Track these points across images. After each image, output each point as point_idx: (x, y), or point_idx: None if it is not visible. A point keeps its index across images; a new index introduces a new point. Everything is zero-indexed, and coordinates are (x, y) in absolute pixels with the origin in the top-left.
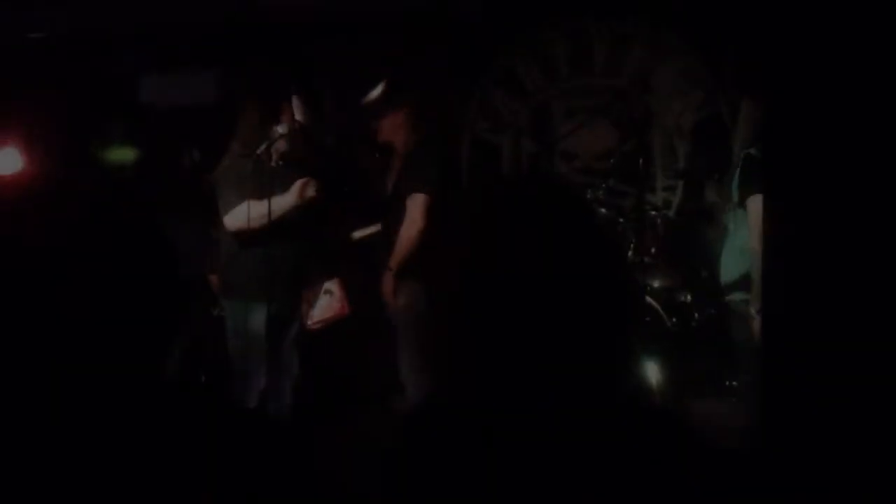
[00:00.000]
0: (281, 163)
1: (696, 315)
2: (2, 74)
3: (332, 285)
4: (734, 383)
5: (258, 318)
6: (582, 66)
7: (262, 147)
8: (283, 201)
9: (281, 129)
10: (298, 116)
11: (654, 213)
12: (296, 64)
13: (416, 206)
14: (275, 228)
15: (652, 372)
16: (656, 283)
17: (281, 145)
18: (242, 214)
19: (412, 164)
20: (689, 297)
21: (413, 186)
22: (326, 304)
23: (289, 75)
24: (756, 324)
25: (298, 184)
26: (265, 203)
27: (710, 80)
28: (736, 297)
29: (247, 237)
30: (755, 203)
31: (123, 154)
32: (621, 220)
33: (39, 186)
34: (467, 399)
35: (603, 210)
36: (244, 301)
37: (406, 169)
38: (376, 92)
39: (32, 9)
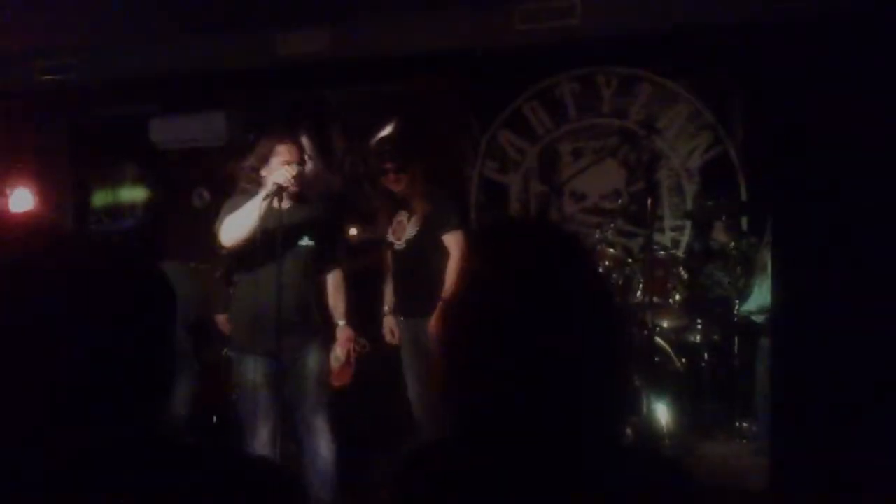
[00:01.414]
0: (288, 203)
1: (706, 355)
2: (16, 117)
3: (338, 351)
4: (744, 424)
5: (252, 370)
6: (589, 107)
7: (271, 189)
8: (257, 198)
9: (290, 168)
10: (308, 157)
11: (662, 253)
12: (307, 105)
13: (456, 242)
14: (265, 275)
15: (661, 413)
16: (665, 324)
17: (289, 185)
18: (225, 225)
19: (440, 206)
20: (698, 338)
21: (448, 225)
22: (339, 370)
23: (300, 116)
24: None
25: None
26: (243, 207)
27: (717, 121)
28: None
29: (242, 285)
30: None
31: (134, 195)
32: (630, 260)
33: (48, 227)
34: (468, 441)
35: (611, 250)
36: (239, 352)
37: (436, 211)
38: (385, 133)
39: (46, 55)
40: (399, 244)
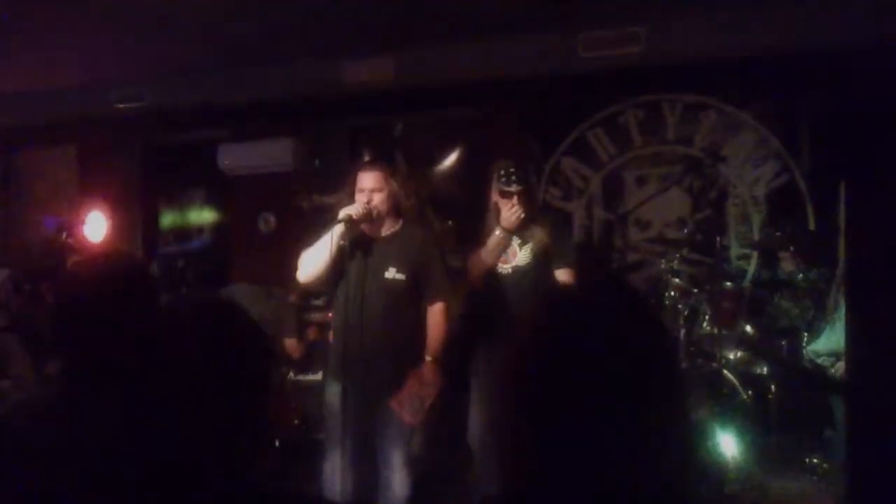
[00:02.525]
0: (356, 231)
1: (773, 388)
2: (90, 144)
3: (413, 389)
4: (814, 460)
5: (334, 396)
6: (654, 134)
7: (341, 222)
8: (327, 237)
9: (361, 198)
10: (374, 185)
11: (728, 283)
12: (372, 133)
13: (568, 278)
14: (352, 306)
15: (727, 446)
16: (732, 356)
17: (359, 216)
18: (301, 260)
19: (559, 238)
20: (765, 370)
21: (565, 259)
22: (411, 411)
23: (365, 144)
24: None
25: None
26: (316, 245)
27: (784, 150)
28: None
29: (336, 314)
30: None
31: (202, 219)
32: (695, 290)
33: (122, 254)
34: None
35: (677, 280)
36: (328, 378)
37: (556, 242)
38: (451, 160)
39: (121, 84)
40: (504, 269)
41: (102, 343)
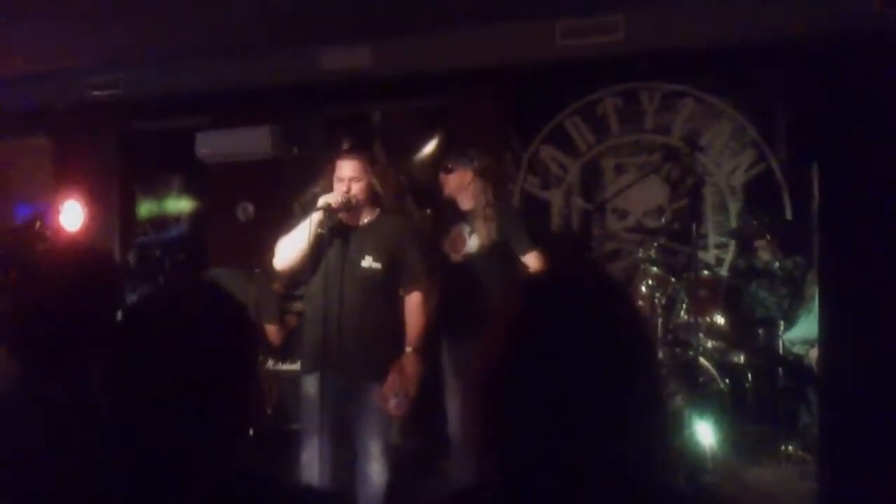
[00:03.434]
0: (335, 220)
1: (750, 376)
2: (64, 133)
3: (398, 380)
4: (790, 448)
5: (313, 388)
6: (632, 123)
7: (320, 210)
8: (305, 224)
9: (340, 187)
10: (352, 174)
11: (705, 272)
12: (350, 121)
13: (536, 260)
14: (328, 297)
15: (704, 435)
16: (709, 344)
17: (338, 205)
18: (278, 248)
19: (513, 224)
20: (742, 358)
21: (525, 245)
22: (397, 401)
23: (343, 133)
24: None
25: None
26: (293, 233)
27: (761, 139)
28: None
29: (309, 304)
30: None
31: (180, 207)
32: (673, 279)
33: (100, 242)
34: (506, 489)
35: (654, 269)
36: (304, 368)
37: (510, 229)
38: (429, 148)
39: (96, 71)
40: (455, 257)
41: (61, 332)
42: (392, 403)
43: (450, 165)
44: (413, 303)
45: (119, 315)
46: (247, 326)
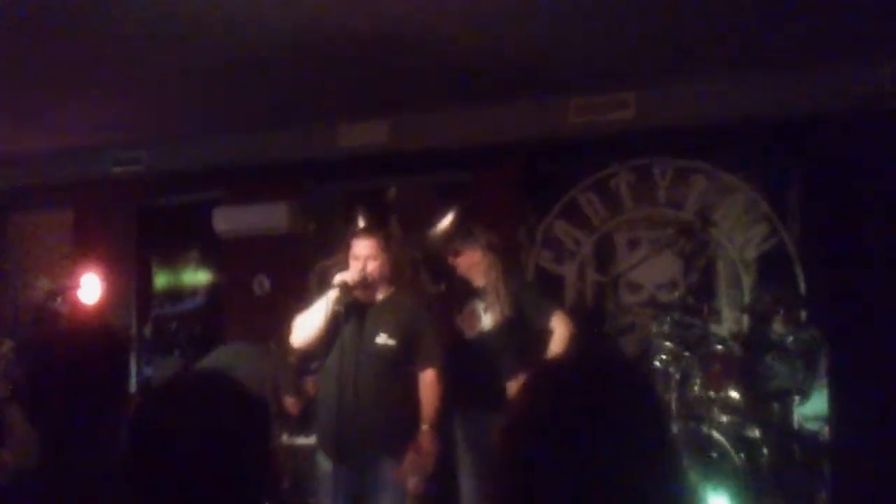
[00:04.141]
0: (350, 297)
1: (766, 450)
2: (85, 208)
3: (416, 458)
4: None
5: (326, 471)
6: (645, 198)
7: (336, 287)
8: (322, 302)
9: (356, 264)
10: (368, 252)
11: (719, 346)
12: (367, 197)
13: (562, 320)
14: (342, 377)
15: None
16: (724, 418)
17: (354, 283)
18: (295, 325)
19: (524, 297)
20: (758, 432)
21: (549, 311)
22: (414, 480)
23: (360, 208)
24: None
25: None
26: (310, 310)
27: (773, 213)
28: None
29: (322, 383)
30: None
31: (196, 280)
32: (686, 353)
33: (117, 314)
34: None
35: (668, 343)
36: (319, 449)
37: (521, 303)
38: (445, 223)
39: (117, 147)
40: (470, 334)
41: (71, 403)
42: (410, 482)
43: (457, 248)
44: (428, 380)
45: (129, 390)
46: (256, 411)
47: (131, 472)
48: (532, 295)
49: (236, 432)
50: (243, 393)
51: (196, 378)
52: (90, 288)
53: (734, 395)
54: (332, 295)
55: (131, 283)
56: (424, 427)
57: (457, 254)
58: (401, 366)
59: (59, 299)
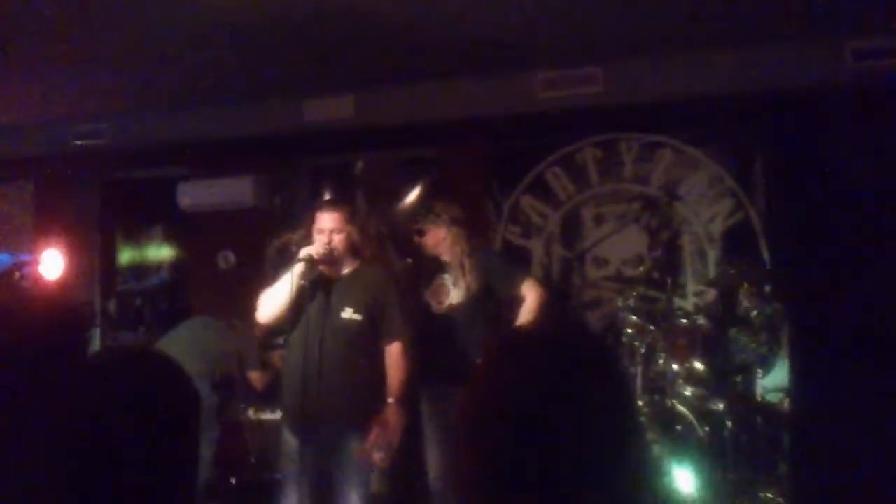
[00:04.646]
0: (316, 271)
1: (729, 423)
2: (47, 181)
3: (382, 432)
4: (769, 495)
5: (292, 446)
6: (611, 173)
7: (302, 262)
8: (288, 277)
9: (322, 238)
10: (333, 225)
11: (684, 320)
12: (332, 172)
13: (532, 287)
14: (308, 352)
15: (684, 481)
16: (688, 392)
17: (320, 256)
18: (261, 301)
19: (491, 269)
20: (721, 406)
21: (517, 279)
22: (381, 454)
23: (325, 183)
24: None
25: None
26: (276, 285)
27: (739, 188)
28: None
29: (287, 359)
30: None
31: (161, 256)
32: (652, 327)
33: (79, 291)
34: None
35: (634, 317)
36: (284, 426)
37: (488, 276)
38: (411, 198)
39: (79, 121)
40: (439, 308)
41: (22, 392)
42: (376, 457)
43: (421, 228)
44: (394, 353)
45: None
46: (189, 397)
47: (57, 447)
48: (500, 265)
49: (160, 412)
50: (172, 372)
51: (123, 355)
52: (52, 263)
53: (699, 368)
54: (297, 269)
55: (95, 259)
56: (390, 401)
57: (421, 233)
58: (367, 340)
59: (18, 274)
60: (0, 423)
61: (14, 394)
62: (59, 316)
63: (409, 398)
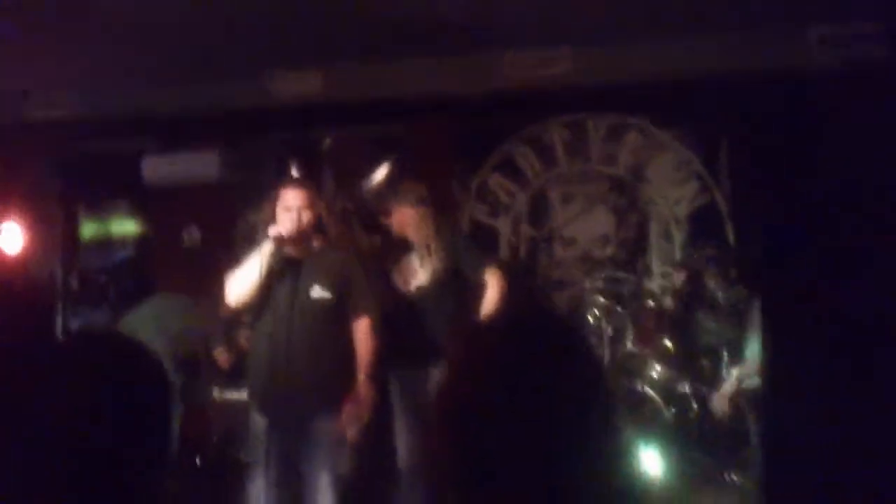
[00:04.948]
0: (298, 253)
1: (696, 405)
2: (6, 153)
3: (352, 409)
4: (734, 477)
5: (261, 427)
6: (579, 153)
7: (271, 240)
8: (257, 256)
9: (290, 216)
10: (300, 203)
11: (651, 302)
12: (300, 147)
13: (495, 276)
14: (277, 332)
15: (651, 463)
16: (654, 374)
17: (289, 234)
18: (229, 284)
19: (458, 251)
20: (688, 388)
21: (483, 264)
22: (350, 430)
23: (292, 159)
24: None
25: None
26: (244, 267)
27: (705, 171)
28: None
29: (255, 340)
30: None
31: (125, 231)
32: (619, 308)
33: (40, 266)
34: None
35: (601, 298)
36: (253, 408)
37: (455, 257)
38: (379, 175)
39: (38, 91)
40: (406, 289)
41: None
42: (348, 432)
43: (388, 207)
44: (362, 329)
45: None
46: (160, 381)
47: (25, 432)
48: (466, 248)
49: (131, 397)
50: (140, 356)
51: (92, 339)
52: (11, 237)
53: (665, 350)
54: (265, 249)
55: (56, 234)
56: (361, 377)
57: (388, 213)
58: (337, 317)
59: None
60: None
61: None
62: (25, 293)
63: (378, 375)
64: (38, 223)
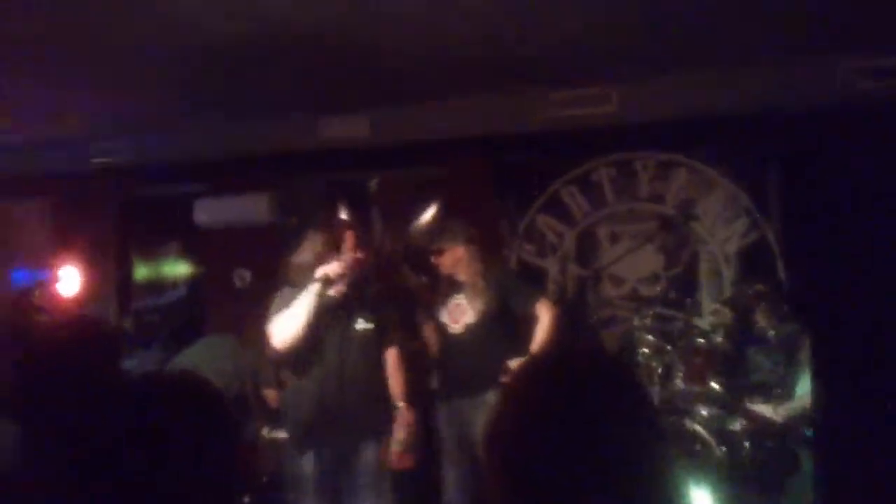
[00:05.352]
0: (331, 292)
1: (747, 444)
2: (64, 200)
3: (399, 434)
4: None
5: (310, 464)
6: (626, 191)
7: (319, 282)
8: (305, 297)
9: (340, 257)
10: (348, 244)
11: (701, 339)
12: (348, 189)
13: (546, 307)
14: (326, 366)
15: (702, 502)
16: (705, 412)
17: (336, 276)
18: (277, 326)
19: (506, 287)
20: (738, 426)
21: (532, 297)
22: (399, 454)
23: (341, 201)
24: None
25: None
26: (292, 309)
27: (754, 207)
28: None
29: (303, 377)
30: None
31: (177, 272)
32: (668, 346)
33: (97, 308)
34: None
35: (650, 337)
36: (298, 445)
37: (503, 294)
38: (427, 216)
39: (98, 139)
40: (455, 327)
41: (61, 408)
42: (395, 458)
43: (438, 247)
44: (392, 358)
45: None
46: (219, 412)
47: (97, 473)
48: (515, 283)
49: (199, 434)
50: (209, 394)
51: (161, 379)
52: (69, 280)
53: (716, 388)
54: (313, 289)
55: (111, 276)
56: (401, 404)
57: (439, 252)
58: (377, 348)
59: (37, 292)
60: (36, 444)
61: (50, 413)
62: (90, 335)
63: (421, 404)
64: (95, 266)
